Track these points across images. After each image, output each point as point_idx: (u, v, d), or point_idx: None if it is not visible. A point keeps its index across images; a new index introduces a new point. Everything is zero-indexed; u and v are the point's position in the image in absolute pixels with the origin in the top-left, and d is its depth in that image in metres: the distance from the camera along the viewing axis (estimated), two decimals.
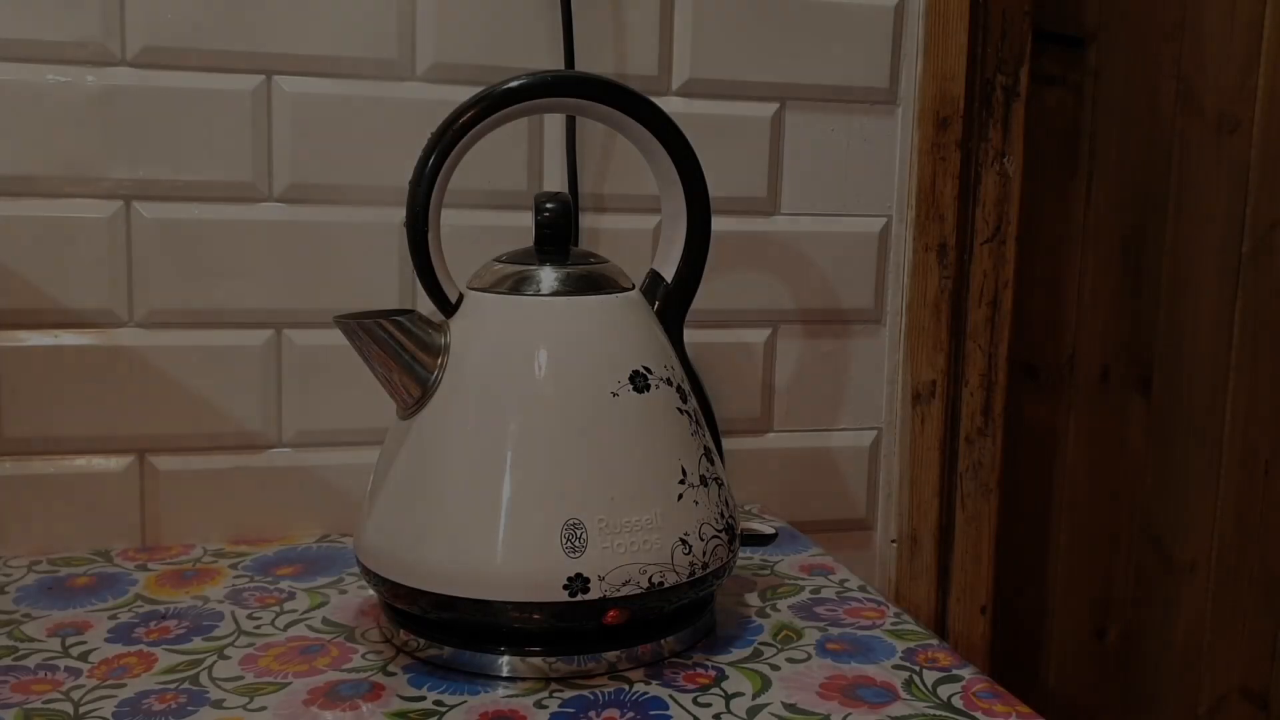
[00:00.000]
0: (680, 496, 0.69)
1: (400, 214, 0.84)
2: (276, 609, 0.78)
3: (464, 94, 0.72)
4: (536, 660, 0.69)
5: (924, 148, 1.04)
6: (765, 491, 1.05)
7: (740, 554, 0.83)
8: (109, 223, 0.88)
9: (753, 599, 0.82)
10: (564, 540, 0.66)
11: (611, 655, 0.69)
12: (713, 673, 0.70)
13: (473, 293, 0.73)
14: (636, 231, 0.98)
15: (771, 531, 0.95)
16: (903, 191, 1.05)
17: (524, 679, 0.68)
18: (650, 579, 0.67)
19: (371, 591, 0.79)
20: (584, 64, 0.95)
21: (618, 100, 0.74)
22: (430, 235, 0.71)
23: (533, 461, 0.67)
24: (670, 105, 0.95)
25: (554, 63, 0.94)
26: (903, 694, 0.68)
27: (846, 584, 0.86)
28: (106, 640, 0.73)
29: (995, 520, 1.12)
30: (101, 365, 0.89)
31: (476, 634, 0.69)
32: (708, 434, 0.75)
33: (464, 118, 0.70)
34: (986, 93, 1.07)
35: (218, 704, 0.65)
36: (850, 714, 0.65)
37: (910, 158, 1.04)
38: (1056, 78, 1.25)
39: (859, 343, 1.06)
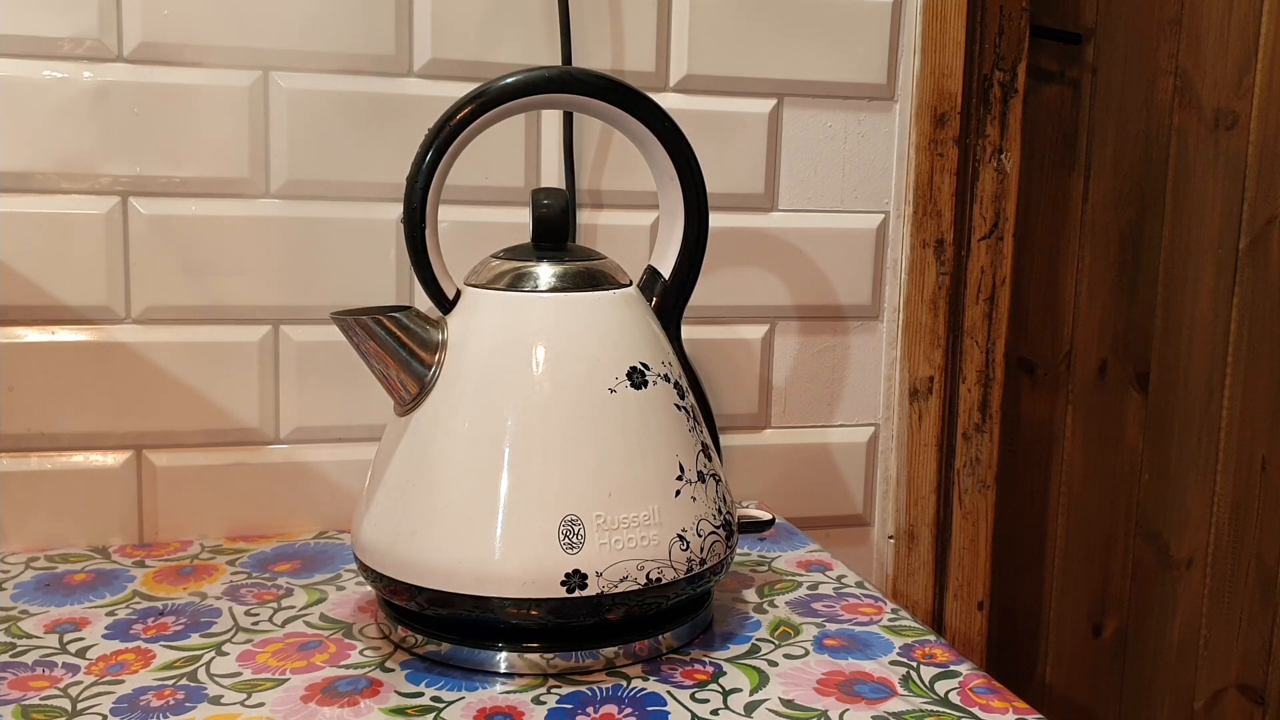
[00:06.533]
0: (678, 493, 0.69)
1: (397, 210, 0.84)
2: (274, 605, 0.78)
3: (461, 90, 0.72)
4: (534, 656, 0.69)
5: (921, 144, 1.04)
6: (763, 487, 1.05)
7: (738, 548, 0.83)
8: (106, 219, 0.88)
9: (750, 595, 0.83)
10: (562, 536, 0.66)
11: (609, 651, 0.70)
12: (710, 669, 0.70)
13: (470, 289, 0.73)
14: (634, 228, 0.98)
15: (769, 518, 0.95)
16: (900, 188, 1.05)
17: (522, 675, 0.68)
18: (648, 575, 0.67)
19: (369, 588, 0.79)
20: (581, 60, 0.95)
21: (615, 97, 0.74)
22: (428, 231, 0.71)
23: (530, 458, 0.67)
24: (667, 101, 0.95)
25: (551, 59, 0.94)
26: (900, 690, 0.68)
27: (844, 580, 0.86)
28: (104, 637, 0.73)
29: (992, 516, 1.12)
30: (99, 361, 0.89)
31: (474, 630, 0.69)
32: (705, 430, 0.75)
33: (461, 114, 0.70)
34: (984, 89, 1.07)
35: (215, 700, 0.65)
36: (848, 710, 0.65)
37: (908, 154, 1.04)
38: (1054, 74, 1.25)
39: (856, 339, 1.06)
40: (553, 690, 0.67)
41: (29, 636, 0.73)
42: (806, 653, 0.73)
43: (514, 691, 0.67)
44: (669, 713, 0.64)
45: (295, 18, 0.89)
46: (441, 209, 0.72)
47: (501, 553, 0.66)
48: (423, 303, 0.75)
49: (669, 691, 0.67)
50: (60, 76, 0.86)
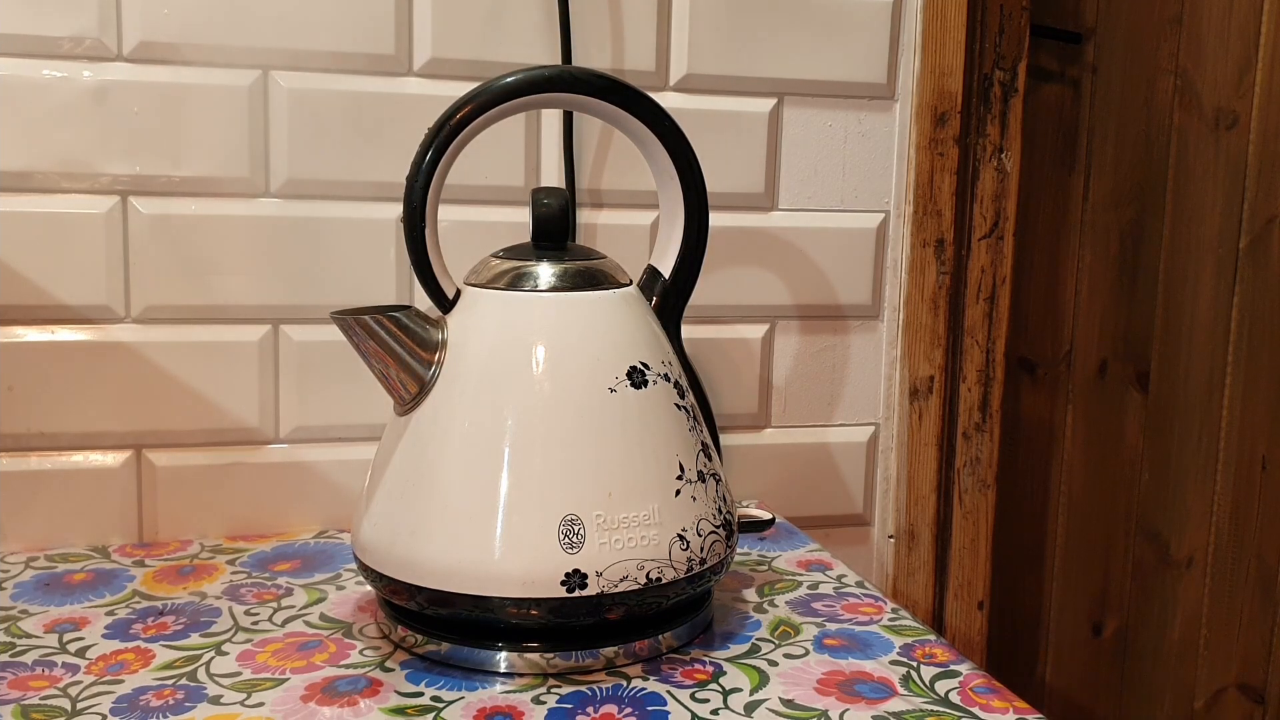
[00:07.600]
0: (678, 492, 0.69)
1: (397, 210, 0.84)
2: (274, 605, 0.78)
3: (461, 90, 0.72)
4: (534, 656, 0.69)
5: (922, 143, 1.04)
6: (763, 487, 1.05)
7: (738, 548, 0.83)
8: (106, 218, 0.88)
9: (750, 595, 0.83)
10: (562, 536, 0.66)
11: (609, 651, 0.70)
12: (710, 668, 0.70)
13: (470, 288, 0.73)
14: (634, 227, 0.98)
15: (769, 517, 0.95)
16: (900, 187, 1.05)
17: (522, 675, 0.68)
18: (648, 575, 0.67)
19: (369, 587, 0.79)
20: (581, 59, 0.95)
21: (615, 96, 0.74)
22: (427, 231, 0.71)
23: (530, 457, 0.67)
24: (668, 101, 0.95)
25: (551, 58, 0.94)
26: (900, 689, 0.68)
27: (844, 579, 0.86)
28: (104, 636, 0.73)
29: (992, 516, 1.12)
30: (98, 361, 0.89)
31: (474, 630, 0.69)
32: (705, 430, 0.75)
33: (461, 113, 0.70)
34: (984, 88, 1.07)
35: (215, 700, 0.65)
36: (848, 710, 0.65)
37: (908, 153, 1.04)
38: (1054, 73, 1.25)
39: (856, 338, 1.06)
40: (553, 690, 0.67)
41: (29, 636, 0.73)
42: (806, 652, 0.73)
43: (514, 691, 0.67)
44: (669, 713, 0.64)
45: (295, 18, 0.89)
46: (441, 209, 0.72)
47: (501, 552, 0.66)
48: (423, 303, 0.75)
49: (669, 691, 0.67)
50: (60, 76, 0.86)
